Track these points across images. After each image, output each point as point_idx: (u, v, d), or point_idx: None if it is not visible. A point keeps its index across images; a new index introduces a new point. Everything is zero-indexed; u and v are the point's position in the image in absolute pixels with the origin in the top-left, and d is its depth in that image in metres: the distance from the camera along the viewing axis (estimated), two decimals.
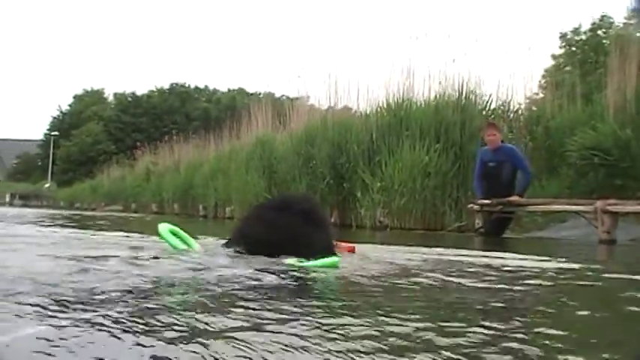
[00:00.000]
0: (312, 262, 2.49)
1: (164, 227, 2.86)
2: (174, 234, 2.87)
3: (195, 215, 18.48)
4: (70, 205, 33.12)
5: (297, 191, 13.45)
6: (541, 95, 14.99)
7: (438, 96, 12.63)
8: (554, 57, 27.32)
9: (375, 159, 12.23)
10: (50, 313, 1.33)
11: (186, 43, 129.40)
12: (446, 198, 11.59)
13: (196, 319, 1.36)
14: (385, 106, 13.14)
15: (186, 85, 66.38)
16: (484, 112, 12.65)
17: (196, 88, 67.46)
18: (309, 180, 13.41)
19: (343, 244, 3.31)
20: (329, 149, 13.09)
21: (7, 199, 41.69)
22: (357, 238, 6.34)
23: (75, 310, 1.40)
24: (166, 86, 65.07)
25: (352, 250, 3.34)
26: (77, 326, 1.24)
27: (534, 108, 13.58)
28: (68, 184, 41.57)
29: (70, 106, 63.44)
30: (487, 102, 12.71)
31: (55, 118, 62.30)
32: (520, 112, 13.64)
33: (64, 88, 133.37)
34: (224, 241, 2.93)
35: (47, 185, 46.27)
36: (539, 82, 18.88)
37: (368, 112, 13.61)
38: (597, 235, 7.94)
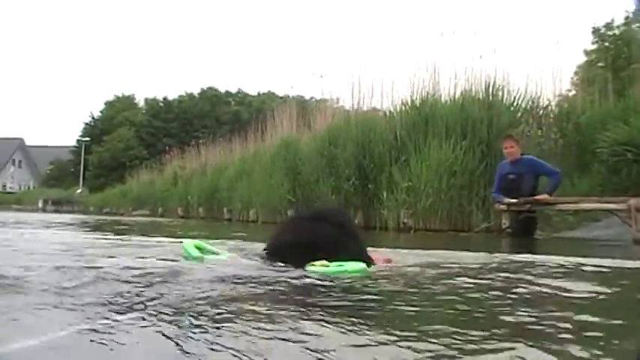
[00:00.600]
0: (341, 268, 2.54)
1: (188, 243, 2.98)
2: (200, 249, 2.98)
3: (220, 219, 18.32)
4: (99, 210, 33.24)
5: (322, 193, 13.23)
6: (573, 92, 14.53)
7: (464, 92, 12.30)
8: (586, 53, 26.71)
9: (400, 158, 11.95)
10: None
11: (218, 48, 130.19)
12: (473, 197, 11.27)
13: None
14: (410, 103, 12.84)
15: (217, 90, 66.64)
16: (512, 109, 12.28)
17: (227, 92, 67.69)
18: (334, 181, 13.16)
19: (379, 255, 3.23)
20: (353, 149, 12.83)
21: (40, 204, 42.02)
22: (380, 241, 6.11)
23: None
24: (197, 91, 65.47)
25: (388, 261, 3.23)
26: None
27: (565, 104, 13.15)
28: (100, 190, 41.78)
29: (101, 112, 63.99)
30: (515, 98, 12.31)
31: (87, 124, 62.93)
32: (550, 108, 13.25)
33: (95, 95, 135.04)
34: (253, 250, 3.07)
35: (79, 191, 46.63)
36: (572, 78, 18.42)
37: (392, 111, 13.32)
38: (631, 235, 7.59)
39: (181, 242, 3.04)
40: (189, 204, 21.79)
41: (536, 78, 13.12)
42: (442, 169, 11.11)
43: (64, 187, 52.35)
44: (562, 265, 3.47)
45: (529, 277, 2.80)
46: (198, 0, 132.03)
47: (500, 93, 12.11)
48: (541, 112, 13.29)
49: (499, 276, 2.90)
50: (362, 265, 2.65)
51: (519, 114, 12.37)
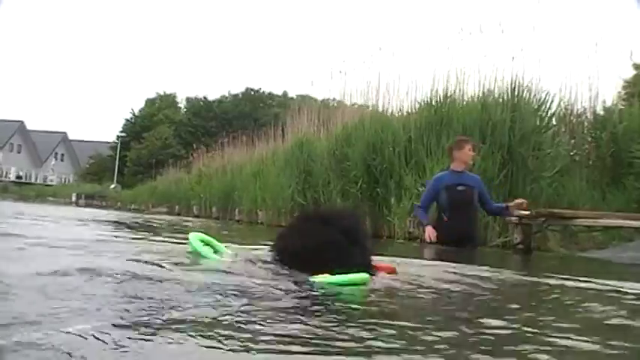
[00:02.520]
0: (339, 278, 2.41)
1: (194, 236, 2.91)
2: (205, 243, 2.94)
3: (231, 219, 17.63)
4: (124, 205, 33.38)
5: (330, 196, 12.35)
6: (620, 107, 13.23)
7: (485, 93, 11.24)
8: (636, 67, 25.10)
9: (411, 161, 10.96)
10: None
11: (263, 49, 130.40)
12: None
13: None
14: (426, 103, 11.83)
15: (260, 91, 66.46)
16: (540, 112, 11.15)
17: (269, 93, 67.49)
18: (343, 184, 12.22)
19: (383, 264, 2.99)
20: (363, 150, 11.88)
21: (73, 198, 42.43)
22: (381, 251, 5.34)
23: None
24: (240, 91, 65.45)
25: (392, 272, 2.97)
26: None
27: (601, 112, 11.98)
28: (134, 186, 41.87)
29: (142, 109, 64.38)
30: (543, 100, 11.16)
31: (127, 120, 63.36)
32: (585, 116, 12.10)
33: (138, 91, 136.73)
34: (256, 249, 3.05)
35: (112, 186, 46.90)
36: (619, 93, 16.98)
37: (407, 111, 12.34)
38: None
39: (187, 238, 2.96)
40: (205, 203, 21.25)
41: (571, 82, 11.88)
42: None
43: (101, 182, 52.65)
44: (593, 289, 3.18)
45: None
46: (246, 2, 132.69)
47: (526, 95, 10.99)
48: (574, 119, 12.18)
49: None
50: (365, 276, 2.50)
51: (547, 118, 11.24)
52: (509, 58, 11.22)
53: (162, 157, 53.26)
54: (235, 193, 18.44)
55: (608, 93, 11.90)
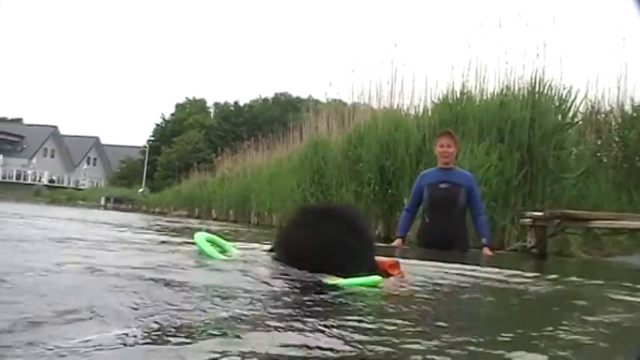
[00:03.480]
0: (350, 281, 2.29)
1: (200, 236, 2.83)
2: (211, 242, 2.85)
3: (249, 223, 17.26)
4: (148, 209, 33.61)
5: (343, 199, 11.86)
6: None
7: (504, 89, 10.64)
8: None
9: (423, 161, 10.42)
10: None
11: (293, 54, 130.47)
12: (508, 211, 9.62)
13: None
14: (441, 101, 11.27)
15: (290, 95, 66.37)
16: (562, 109, 10.51)
17: (298, 98, 67.33)
18: (355, 186, 11.72)
19: (385, 259, 2.77)
20: (376, 150, 11.38)
21: (102, 202, 42.76)
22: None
23: None
24: (270, 96, 65.50)
25: (395, 267, 2.73)
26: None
27: (629, 110, 11.27)
28: (163, 190, 42.02)
29: (172, 114, 64.75)
30: (565, 97, 10.51)
31: (157, 125, 63.77)
32: (612, 114, 11.44)
33: (168, 96, 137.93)
34: (265, 248, 2.89)
35: (141, 190, 47.13)
36: None
37: (421, 109, 11.80)
38: None
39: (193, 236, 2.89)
40: (223, 206, 20.99)
41: (598, 79, 11.22)
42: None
43: (131, 186, 53.00)
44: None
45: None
46: (274, 7, 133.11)
47: (547, 91, 10.37)
48: (601, 118, 11.52)
49: None
50: (378, 278, 2.38)
51: (570, 115, 10.60)
52: (530, 54, 10.65)
53: (191, 161, 53.39)
54: (251, 196, 18.07)
55: (638, 90, 11.12)
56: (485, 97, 10.81)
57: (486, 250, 6.51)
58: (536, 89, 10.32)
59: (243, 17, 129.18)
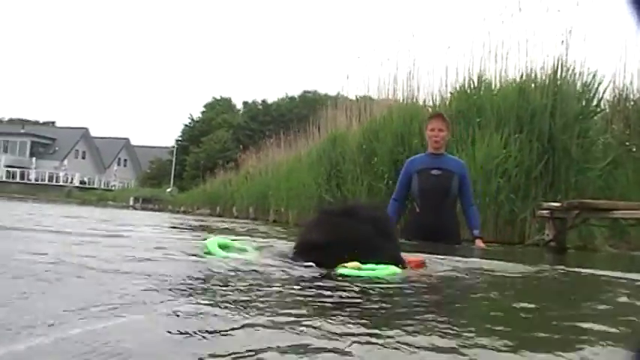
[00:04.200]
0: (373, 272, 2.34)
1: (212, 242, 2.82)
2: (225, 247, 2.84)
3: (267, 220, 16.95)
4: (174, 208, 33.70)
5: (358, 194, 11.46)
6: None
7: (524, 76, 10.13)
8: None
9: None
10: None
11: (321, 51, 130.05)
12: (529, 203, 9.11)
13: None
14: (458, 90, 10.80)
15: (317, 93, 66.04)
16: (586, 97, 9.95)
17: (326, 95, 66.99)
18: (370, 180, 11.30)
19: (412, 257, 2.87)
20: (391, 143, 10.95)
21: (131, 202, 43.06)
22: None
23: None
24: (297, 94, 65.29)
25: (421, 266, 2.87)
26: None
27: None
28: (191, 189, 42.14)
29: (201, 114, 64.89)
30: (590, 83, 9.95)
31: (186, 125, 63.96)
32: None
33: (197, 97, 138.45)
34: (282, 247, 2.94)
35: (169, 190, 47.28)
36: None
37: (439, 99, 11.33)
38: None
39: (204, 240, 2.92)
40: (243, 203, 20.75)
41: (625, 65, 10.63)
42: (489, 167, 9.06)
43: (160, 186, 53.25)
44: None
45: None
46: (302, 6, 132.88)
47: (570, 77, 9.82)
48: (630, 105, 10.92)
49: None
50: (396, 269, 2.47)
51: (594, 102, 10.04)
52: (553, 39, 10.11)
53: (219, 160, 53.42)
54: (270, 193, 17.75)
55: None
56: (504, 85, 10.28)
57: (479, 242, 6.08)
58: (559, 75, 9.80)
59: (271, 16, 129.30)
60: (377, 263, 2.39)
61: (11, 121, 73.59)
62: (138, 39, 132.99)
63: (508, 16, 10.77)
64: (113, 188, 61.04)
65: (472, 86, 10.58)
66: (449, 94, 11.09)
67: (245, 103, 66.50)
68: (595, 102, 10.05)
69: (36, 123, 72.03)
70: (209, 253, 2.75)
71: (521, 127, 9.45)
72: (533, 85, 9.85)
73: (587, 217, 6.76)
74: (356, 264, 2.33)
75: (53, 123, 73.44)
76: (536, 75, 10.02)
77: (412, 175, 6.05)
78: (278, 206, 16.15)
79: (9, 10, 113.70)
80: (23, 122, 71.00)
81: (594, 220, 7.23)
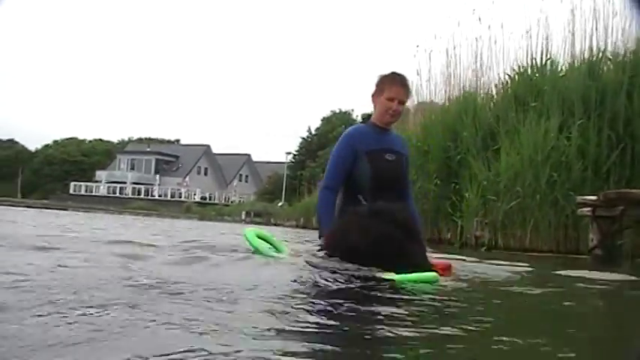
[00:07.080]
0: (407, 276, 2.39)
1: (250, 232, 3.11)
2: (262, 238, 3.13)
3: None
4: (276, 220, 35.00)
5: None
6: None
7: (594, 53, 8.38)
8: None
9: (492, 146, 8.45)
10: None
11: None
12: None
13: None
14: (518, 72, 9.19)
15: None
16: None
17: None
18: (422, 182, 9.89)
19: (438, 261, 2.87)
20: (440, 140, 9.53)
21: (243, 216, 43.70)
22: None
23: None
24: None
25: (448, 269, 2.89)
26: None
27: None
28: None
29: (318, 127, 64.90)
30: None
31: (303, 139, 64.18)
32: None
33: (315, 111, 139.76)
34: (315, 247, 3.01)
35: (280, 204, 47.55)
36: None
37: (494, 85, 9.76)
38: None
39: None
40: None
41: None
42: (541, 158, 7.46)
43: (272, 201, 53.66)
44: None
45: None
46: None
47: None
48: None
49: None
50: (435, 275, 2.49)
51: None
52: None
53: None
54: None
55: None
56: (568, 64, 8.62)
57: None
58: (637, 48, 8.02)
59: (387, 26, 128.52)
60: (411, 272, 2.40)
61: (140, 140, 77.39)
62: (258, 56, 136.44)
63: None
64: (231, 203, 62.28)
65: (535, 68, 8.96)
66: (507, 78, 9.48)
67: (363, 116, 65.79)
68: None
69: (162, 141, 75.22)
70: (248, 241, 2.97)
71: (589, 113, 7.76)
72: (605, 62, 8.12)
73: (636, 213, 5.09)
74: (391, 274, 2.37)
75: (178, 141, 76.34)
76: (607, 52, 8.27)
77: (359, 156, 3.97)
78: None
79: (140, 36, 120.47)
80: (150, 141, 74.38)
81: None
